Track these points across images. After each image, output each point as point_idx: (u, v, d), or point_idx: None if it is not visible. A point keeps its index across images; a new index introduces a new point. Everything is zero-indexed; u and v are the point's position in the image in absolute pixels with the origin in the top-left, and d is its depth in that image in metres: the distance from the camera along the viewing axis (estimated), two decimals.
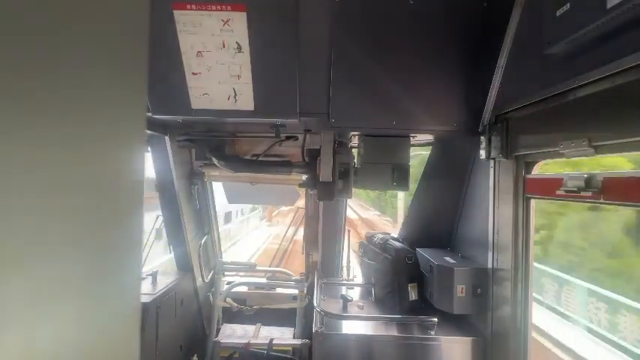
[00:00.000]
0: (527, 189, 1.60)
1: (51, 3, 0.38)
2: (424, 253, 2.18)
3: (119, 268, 0.51)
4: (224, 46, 1.71)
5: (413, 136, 2.17)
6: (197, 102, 1.85)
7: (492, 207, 1.80)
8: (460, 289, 1.89)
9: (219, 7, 1.62)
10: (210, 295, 3.15)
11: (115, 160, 0.50)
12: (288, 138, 2.39)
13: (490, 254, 1.82)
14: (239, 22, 1.65)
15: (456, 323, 2.01)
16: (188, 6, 1.62)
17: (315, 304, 2.18)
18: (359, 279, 2.78)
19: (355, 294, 2.52)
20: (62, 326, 0.42)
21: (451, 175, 2.25)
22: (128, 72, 0.51)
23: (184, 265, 2.94)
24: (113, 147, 0.49)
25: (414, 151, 2.37)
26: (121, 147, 0.51)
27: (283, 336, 2.92)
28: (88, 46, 0.44)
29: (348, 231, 3.01)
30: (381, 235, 2.53)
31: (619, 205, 1.12)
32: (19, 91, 0.35)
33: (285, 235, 16.86)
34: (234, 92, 1.82)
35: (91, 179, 0.45)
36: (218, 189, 3.44)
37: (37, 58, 0.37)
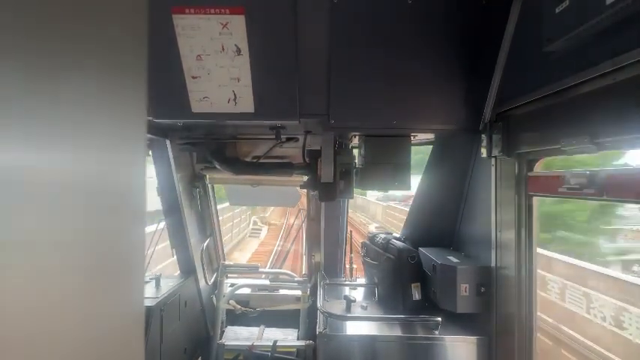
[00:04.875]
0: (529, 187, 1.60)
1: (50, 9, 0.38)
2: (427, 253, 2.18)
3: (122, 271, 0.51)
4: (223, 50, 1.72)
5: (413, 136, 2.17)
6: (197, 105, 1.85)
7: (494, 205, 1.79)
8: (463, 288, 1.88)
9: (217, 10, 1.63)
10: (214, 298, 3.15)
11: (116, 165, 0.50)
12: (288, 139, 2.39)
13: (493, 252, 1.81)
14: (238, 25, 1.66)
15: (460, 322, 2.00)
16: (187, 10, 1.63)
17: (318, 305, 2.18)
18: (362, 279, 2.78)
19: (358, 294, 2.52)
20: (66, 331, 0.42)
21: (452, 174, 2.25)
22: (128, 76, 0.51)
23: (187, 268, 2.94)
24: (114, 151, 0.50)
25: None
26: (121, 151, 0.51)
27: (287, 337, 2.92)
28: (88, 51, 0.44)
29: (350, 232, 3.00)
30: (383, 235, 2.53)
31: (622, 202, 1.12)
32: (20, 96, 0.35)
33: None
34: (234, 95, 1.82)
35: (92, 184, 0.45)
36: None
37: (37, 65, 0.37)
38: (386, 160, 2.12)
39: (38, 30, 0.36)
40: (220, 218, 3.43)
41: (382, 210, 21.77)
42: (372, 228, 17.82)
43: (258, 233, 17.41)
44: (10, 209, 0.34)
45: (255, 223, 18.39)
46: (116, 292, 0.51)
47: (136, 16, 0.51)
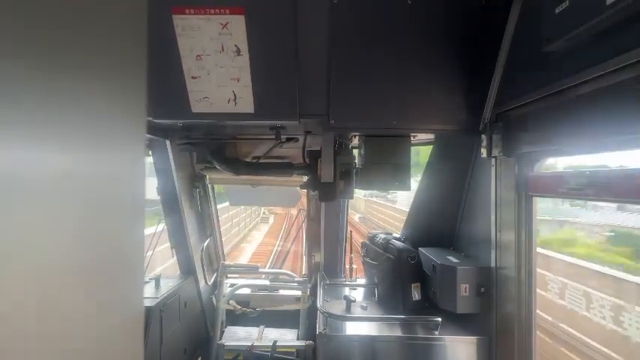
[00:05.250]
0: (529, 187, 1.60)
1: (50, 9, 0.38)
2: (427, 253, 2.18)
3: (121, 271, 0.51)
4: (223, 50, 1.72)
5: (413, 136, 2.17)
6: (197, 106, 1.85)
7: (494, 205, 1.79)
8: (463, 288, 1.89)
9: (217, 10, 1.63)
10: (214, 298, 3.15)
11: (115, 165, 0.50)
12: (288, 140, 2.39)
13: (493, 253, 1.81)
14: (237, 25, 1.66)
15: (460, 323, 2.00)
16: (187, 10, 1.63)
17: (318, 305, 2.18)
18: (362, 279, 2.78)
19: (358, 295, 2.52)
20: (65, 331, 0.42)
21: (452, 174, 2.25)
22: (128, 77, 0.51)
23: (187, 269, 2.94)
24: (114, 152, 0.50)
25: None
26: (121, 151, 0.51)
27: (287, 338, 2.92)
28: (88, 51, 0.44)
29: (350, 232, 3.00)
30: (383, 235, 2.53)
31: (622, 202, 1.12)
32: (19, 96, 0.35)
33: None
34: (234, 95, 1.82)
35: (91, 184, 0.45)
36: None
37: (37, 65, 0.37)
38: (386, 161, 2.12)
39: (38, 29, 0.36)
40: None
41: (364, 203, 27.57)
42: (356, 218, 22.64)
43: (267, 219, 24.01)
44: (9, 209, 0.34)
45: (264, 212, 24.77)
46: (116, 292, 0.51)
47: (135, 17, 0.51)
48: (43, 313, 0.38)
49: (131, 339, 0.53)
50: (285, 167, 2.41)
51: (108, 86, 0.48)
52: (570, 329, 7.05)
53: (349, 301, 2.21)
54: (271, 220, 23.72)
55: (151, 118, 1.90)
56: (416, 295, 2.15)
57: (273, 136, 2.19)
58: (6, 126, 0.33)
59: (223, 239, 3.30)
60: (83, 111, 0.44)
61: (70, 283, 0.43)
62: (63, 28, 0.40)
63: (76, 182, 0.43)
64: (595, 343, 6.52)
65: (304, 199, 3.42)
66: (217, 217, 3.35)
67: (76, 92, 0.42)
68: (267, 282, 3.31)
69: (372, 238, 2.59)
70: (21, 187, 0.35)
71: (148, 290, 2.51)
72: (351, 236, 3.01)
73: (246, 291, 3.24)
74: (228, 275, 3.33)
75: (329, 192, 2.13)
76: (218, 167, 2.41)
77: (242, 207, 17.43)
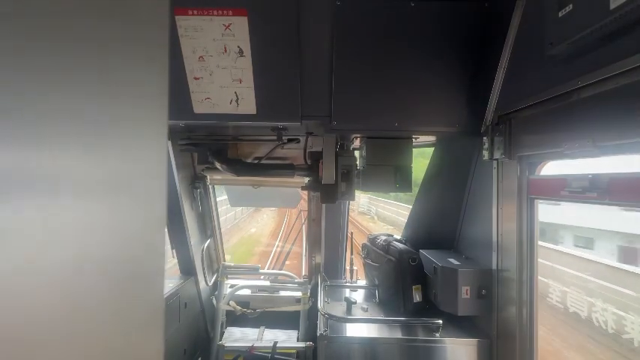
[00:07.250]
0: (530, 190, 1.60)
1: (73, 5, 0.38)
2: (428, 255, 2.18)
3: (143, 272, 0.52)
4: (225, 51, 1.72)
5: (415, 138, 2.17)
6: (199, 106, 1.85)
7: (496, 208, 1.79)
8: (464, 291, 1.88)
9: (220, 11, 1.63)
10: (214, 299, 3.15)
11: (139, 164, 0.50)
12: (289, 141, 2.39)
13: (494, 255, 1.81)
14: (240, 26, 1.66)
15: (461, 325, 2.00)
16: (189, 11, 1.63)
17: (319, 306, 2.18)
18: (362, 281, 2.78)
19: (359, 296, 2.52)
20: (89, 332, 0.42)
21: (454, 176, 2.25)
22: (151, 77, 0.51)
23: (187, 269, 2.94)
24: (136, 151, 0.50)
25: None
26: (143, 151, 0.51)
27: (287, 339, 2.91)
28: (113, 49, 0.44)
29: (351, 233, 3.00)
30: (384, 237, 2.53)
31: (625, 205, 1.12)
32: (48, 94, 0.35)
33: None
34: (236, 96, 1.83)
35: (115, 184, 0.46)
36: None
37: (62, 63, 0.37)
38: (387, 162, 2.12)
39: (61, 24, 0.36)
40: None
41: None
42: None
43: None
44: (34, 208, 0.34)
45: None
46: (136, 292, 0.51)
47: (156, 17, 0.51)
48: (66, 315, 0.39)
49: (151, 339, 0.54)
50: (286, 168, 2.42)
51: (131, 85, 0.48)
52: None
53: (350, 303, 2.21)
54: None
55: None
56: (417, 297, 2.15)
57: (275, 137, 2.19)
58: (32, 128, 0.33)
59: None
60: (109, 111, 0.44)
61: (92, 283, 0.43)
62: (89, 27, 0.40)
63: (100, 182, 0.43)
64: None
65: (304, 200, 3.42)
66: (218, 217, 3.34)
67: (103, 93, 0.43)
68: (267, 283, 3.30)
69: (372, 240, 2.59)
70: (49, 187, 0.35)
71: None
72: (351, 237, 3.00)
73: (247, 292, 3.24)
74: (229, 276, 3.33)
75: (330, 194, 2.13)
76: (219, 168, 2.41)
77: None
